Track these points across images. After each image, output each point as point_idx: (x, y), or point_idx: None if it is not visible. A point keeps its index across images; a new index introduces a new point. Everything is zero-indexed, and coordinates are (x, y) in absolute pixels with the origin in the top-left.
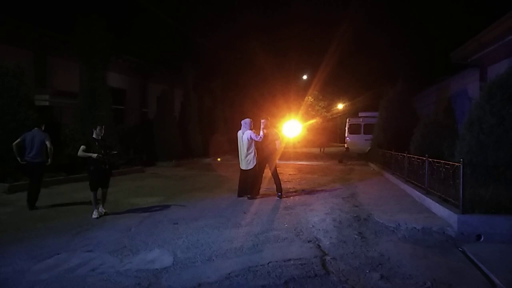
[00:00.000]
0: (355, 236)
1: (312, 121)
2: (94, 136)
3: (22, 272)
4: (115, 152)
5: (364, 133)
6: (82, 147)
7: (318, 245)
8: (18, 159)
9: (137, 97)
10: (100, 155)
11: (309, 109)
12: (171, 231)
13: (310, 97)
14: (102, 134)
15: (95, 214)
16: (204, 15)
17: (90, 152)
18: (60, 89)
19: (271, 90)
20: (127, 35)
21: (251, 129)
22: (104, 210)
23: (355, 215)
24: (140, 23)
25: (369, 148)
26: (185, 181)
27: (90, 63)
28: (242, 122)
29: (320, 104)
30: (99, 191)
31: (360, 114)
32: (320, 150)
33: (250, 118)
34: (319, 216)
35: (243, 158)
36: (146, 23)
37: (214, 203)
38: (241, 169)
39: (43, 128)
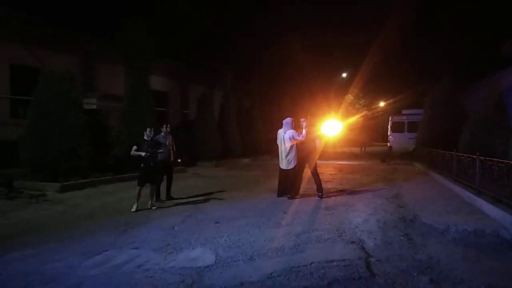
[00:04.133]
0: (401, 237)
1: (353, 120)
2: (144, 137)
3: (74, 267)
4: (161, 151)
5: (408, 131)
6: (134, 147)
7: (362, 246)
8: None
9: (178, 99)
10: (148, 154)
11: (350, 107)
12: (213, 229)
13: (350, 95)
14: (152, 135)
15: (134, 208)
16: (242, 16)
17: (140, 151)
18: (106, 92)
19: (310, 88)
20: (168, 39)
21: (292, 128)
22: (153, 205)
23: (400, 216)
24: (180, 26)
25: (413, 147)
26: (225, 180)
27: (134, 67)
28: (284, 121)
29: (361, 102)
30: (145, 188)
31: (404, 112)
32: (361, 149)
33: (291, 117)
34: (362, 217)
35: (283, 157)
36: (186, 26)
37: (254, 203)
38: (281, 169)
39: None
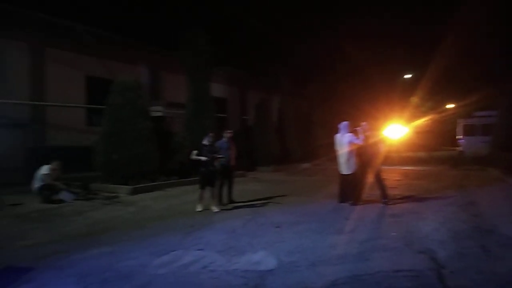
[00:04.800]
0: (477, 249)
1: (418, 123)
2: (205, 142)
3: (144, 266)
4: (221, 156)
5: (481, 135)
6: (194, 151)
7: (433, 256)
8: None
9: (237, 105)
10: (208, 159)
11: (415, 110)
12: (274, 234)
13: (415, 98)
14: (212, 141)
15: (199, 208)
16: (299, 19)
17: (200, 156)
18: (170, 100)
19: (371, 91)
20: (228, 47)
21: (350, 132)
22: (214, 207)
23: (475, 226)
24: (238, 34)
25: (487, 151)
26: (284, 185)
27: (195, 75)
28: (341, 125)
29: (427, 105)
30: (207, 189)
31: (476, 114)
32: (429, 154)
33: (348, 121)
34: (431, 226)
35: (342, 162)
36: (244, 34)
37: (314, 208)
38: (341, 174)
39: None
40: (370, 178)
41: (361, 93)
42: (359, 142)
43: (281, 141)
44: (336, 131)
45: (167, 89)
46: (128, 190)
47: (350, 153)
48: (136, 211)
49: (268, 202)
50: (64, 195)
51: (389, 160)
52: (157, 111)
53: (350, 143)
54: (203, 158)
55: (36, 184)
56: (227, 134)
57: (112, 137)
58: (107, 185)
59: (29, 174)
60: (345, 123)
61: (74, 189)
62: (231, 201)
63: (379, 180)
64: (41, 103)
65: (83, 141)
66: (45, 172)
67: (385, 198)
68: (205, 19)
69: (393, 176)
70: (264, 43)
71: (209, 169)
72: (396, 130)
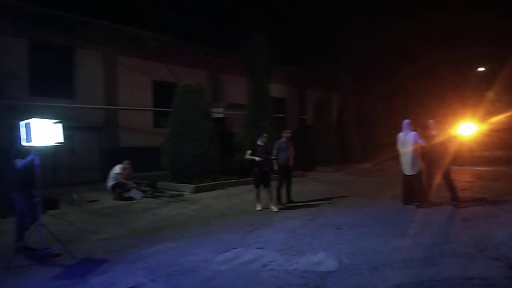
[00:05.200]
0: None
1: (495, 120)
2: (259, 142)
3: (207, 262)
4: (274, 157)
5: None
6: (248, 151)
7: (510, 265)
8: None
9: (296, 105)
10: (262, 159)
11: (490, 106)
12: (335, 235)
13: (491, 92)
14: (266, 141)
15: (258, 207)
16: (360, 17)
17: (255, 156)
18: (231, 102)
19: (440, 86)
20: (285, 46)
21: (415, 131)
22: (273, 207)
23: None
24: (296, 33)
25: None
26: (345, 186)
27: (255, 76)
28: (404, 123)
29: (504, 100)
30: (262, 189)
31: None
32: (506, 153)
33: (411, 119)
34: (508, 231)
35: (406, 162)
36: (302, 32)
37: (377, 210)
38: (405, 174)
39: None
40: (438, 179)
41: (428, 89)
42: (423, 142)
43: (341, 141)
44: (399, 129)
45: (228, 91)
46: (191, 188)
47: (414, 152)
48: (199, 209)
49: (328, 203)
50: (134, 193)
51: (460, 160)
52: (218, 112)
53: (415, 142)
54: (256, 158)
55: (110, 182)
56: (286, 134)
57: (176, 138)
58: (172, 184)
59: (104, 173)
60: (407, 121)
61: (143, 188)
62: (290, 201)
63: (448, 181)
64: (114, 107)
65: (151, 142)
66: (118, 171)
67: (455, 200)
68: (265, 19)
69: (464, 177)
70: (325, 41)
71: (262, 169)
72: (469, 128)
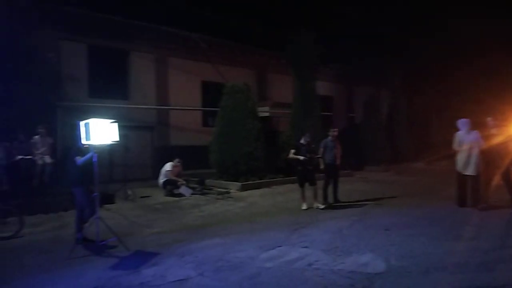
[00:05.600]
0: None
1: None
2: (302, 141)
3: (253, 258)
4: (319, 156)
5: None
6: (292, 150)
7: None
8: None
9: (344, 103)
10: (306, 158)
11: None
12: (383, 237)
13: None
14: (309, 140)
15: (304, 206)
16: (412, 12)
17: (298, 155)
18: (277, 100)
19: (500, 82)
20: (333, 43)
21: (472, 130)
22: (318, 205)
23: None
24: (344, 28)
25: None
26: (395, 186)
27: (301, 74)
28: (460, 122)
29: None
30: (307, 188)
31: None
32: None
33: (468, 118)
34: None
35: (464, 162)
36: (350, 28)
37: (429, 211)
38: (461, 175)
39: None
40: (497, 180)
41: (486, 85)
42: (482, 143)
43: (391, 139)
44: (454, 127)
45: (274, 90)
46: (238, 186)
47: (473, 152)
48: (245, 207)
49: (377, 204)
50: (183, 190)
51: None
52: (264, 111)
53: (474, 141)
54: (300, 157)
55: (161, 179)
56: (332, 133)
57: (224, 137)
58: (220, 181)
59: (155, 170)
60: (464, 120)
61: (192, 185)
62: (337, 201)
63: (508, 183)
64: (165, 107)
65: (200, 141)
66: (168, 169)
67: None
68: (311, 16)
69: None
70: (374, 37)
71: (306, 168)
72: None
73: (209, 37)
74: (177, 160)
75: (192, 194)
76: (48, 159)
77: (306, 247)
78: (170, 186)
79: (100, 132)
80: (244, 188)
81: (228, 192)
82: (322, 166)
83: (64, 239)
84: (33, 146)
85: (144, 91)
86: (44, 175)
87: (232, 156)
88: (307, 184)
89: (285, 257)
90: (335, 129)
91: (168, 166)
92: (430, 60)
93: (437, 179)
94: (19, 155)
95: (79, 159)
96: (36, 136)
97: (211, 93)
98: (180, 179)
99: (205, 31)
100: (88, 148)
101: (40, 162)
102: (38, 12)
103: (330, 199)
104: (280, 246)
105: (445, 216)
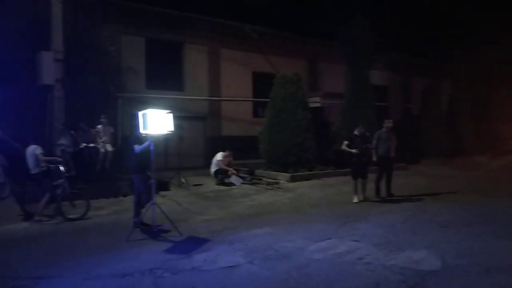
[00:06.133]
0: None
1: None
2: (356, 132)
3: (301, 249)
4: (372, 147)
5: None
6: (345, 142)
7: None
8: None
9: (400, 93)
10: (358, 150)
11: None
12: (439, 233)
13: None
14: (363, 131)
15: (355, 199)
16: None
17: (352, 147)
18: (328, 91)
19: None
20: (389, 29)
21: None
22: (370, 199)
23: None
24: (401, 14)
25: None
26: (454, 181)
27: (354, 63)
28: None
29: None
30: (359, 181)
31: None
32: None
33: None
34: None
35: None
36: (407, 14)
37: (492, 208)
38: None
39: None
40: None
41: None
42: None
43: (452, 131)
44: None
45: (325, 80)
46: (287, 177)
47: None
48: (294, 197)
49: (433, 199)
50: (234, 179)
51: None
52: (315, 102)
53: None
54: (353, 150)
55: (212, 168)
56: (387, 124)
57: (274, 127)
58: (269, 172)
59: (207, 159)
60: None
61: (242, 174)
62: (390, 195)
63: None
64: (217, 98)
65: (250, 131)
66: (219, 159)
67: None
68: (365, 3)
69: None
70: (433, 22)
71: (361, 160)
72: None
73: (261, 28)
74: (228, 150)
75: (242, 183)
76: (109, 147)
77: (356, 240)
78: (221, 175)
79: (156, 122)
80: (293, 179)
81: (277, 183)
82: (374, 158)
83: (124, 222)
84: (96, 135)
85: (197, 82)
86: (106, 162)
87: (281, 147)
88: (360, 177)
89: (334, 250)
90: (390, 120)
91: (219, 156)
92: (497, 48)
93: (502, 174)
94: (83, 143)
95: (138, 147)
96: (99, 126)
97: (262, 83)
98: (230, 169)
99: (257, 22)
100: (146, 137)
101: (102, 150)
102: (102, 7)
103: (383, 193)
104: (329, 239)
105: (510, 214)
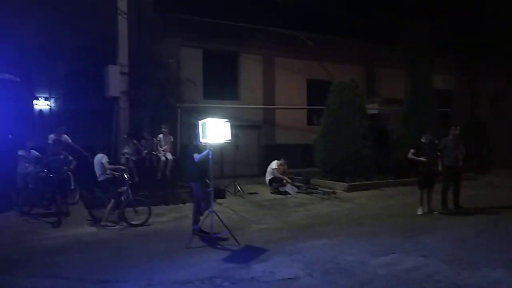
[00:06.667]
0: None
1: None
2: (423, 140)
3: (364, 263)
4: (442, 156)
5: None
6: (412, 150)
7: None
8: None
9: (466, 98)
10: (427, 159)
11: None
12: None
13: None
14: (431, 138)
15: (419, 211)
16: None
17: (419, 155)
18: (386, 97)
19: None
20: (453, 31)
21: None
22: (436, 211)
23: None
24: (466, 13)
25: None
26: None
27: (414, 68)
28: None
29: None
30: (426, 191)
31: None
32: None
33: None
34: None
35: None
36: (474, 12)
37: None
38: None
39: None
40: None
41: None
42: None
43: None
44: None
45: (383, 85)
46: (344, 186)
47: None
48: (352, 208)
49: (509, 212)
50: (289, 188)
51: None
52: (373, 108)
53: None
54: (422, 159)
55: (267, 176)
56: (454, 131)
57: (330, 135)
58: (325, 181)
59: (262, 167)
60: None
61: (297, 183)
62: (458, 207)
63: None
64: (272, 106)
65: (304, 139)
66: (274, 167)
67: None
68: (425, 4)
69: None
70: (504, 20)
71: (429, 169)
72: None
73: (316, 35)
74: (282, 158)
75: (298, 192)
76: (169, 156)
77: (423, 256)
78: (276, 184)
79: (215, 131)
80: (350, 189)
81: (334, 192)
82: (440, 168)
83: (183, 229)
84: (157, 143)
85: (253, 91)
86: (166, 170)
87: (337, 155)
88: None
89: (400, 265)
90: (457, 127)
91: (274, 164)
92: None
93: None
94: (146, 151)
95: (197, 156)
96: (160, 135)
97: (316, 91)
98: (285, 177)
99: (311, 29)
100: (205, 146)
101: (163, 158)
102: (163, 22)
103: (450, 205)
104: (393, 253)
105: None
